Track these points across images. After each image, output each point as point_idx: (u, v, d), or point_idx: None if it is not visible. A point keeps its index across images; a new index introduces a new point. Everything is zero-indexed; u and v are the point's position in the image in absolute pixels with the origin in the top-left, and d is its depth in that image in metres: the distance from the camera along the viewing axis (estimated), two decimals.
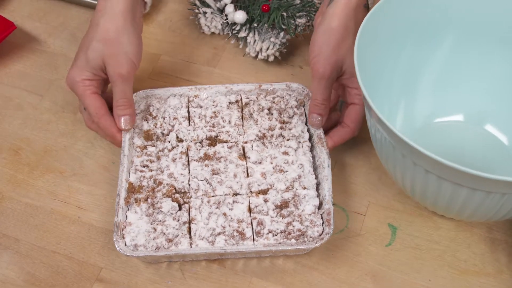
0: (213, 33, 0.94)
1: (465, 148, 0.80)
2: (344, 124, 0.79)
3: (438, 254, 0.75)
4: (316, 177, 0.77)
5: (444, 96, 0.82)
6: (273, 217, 0.74)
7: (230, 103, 0.82)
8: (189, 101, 0.83)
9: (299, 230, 0.72)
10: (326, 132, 0.79)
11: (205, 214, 0.74)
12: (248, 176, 0.77)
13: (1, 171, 0.81)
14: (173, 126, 0.81)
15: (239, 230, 0.73)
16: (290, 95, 0.82)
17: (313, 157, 0.78)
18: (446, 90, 0.82)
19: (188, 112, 0.82)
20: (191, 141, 0.80)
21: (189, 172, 0.77)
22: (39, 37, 0.95)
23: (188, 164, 0.78)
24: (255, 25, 0.89)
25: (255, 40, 0.90)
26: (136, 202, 0.75)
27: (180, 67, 0.91)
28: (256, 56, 0.90)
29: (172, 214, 0.74)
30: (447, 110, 0.82)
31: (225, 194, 0.75)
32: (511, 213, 0.69)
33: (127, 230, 0.73)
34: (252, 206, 0.74)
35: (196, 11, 0.93)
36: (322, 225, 0.73)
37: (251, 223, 0.73)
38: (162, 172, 0.77)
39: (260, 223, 0.73)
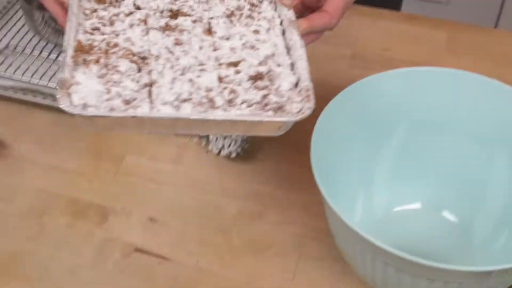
0: None
1: (424, 236, 0.82)
2: (322, 10, 0.74)
3: None
4: (290, 58, 0.69)
5: (401, 186, 0.84)
6: (247, 88, 0.65)
7: None
8: None
9: (276, 103, 0.64)
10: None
11: (169, 78, 0.64)
12: (215, 50, 0.69)
13: None
14: None
15: (208, 97, 0.63)
16: None
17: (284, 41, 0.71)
18: (402, 180, 0.84)
19: None
20: (150, 10, 0.72)
21: (149, 39, 0.68)
22: (4, 141, 0.96)
23: (147, 31, 0.69)
24: None
25: (217, 138, 0.92)
26: (84, 63, 0.64)
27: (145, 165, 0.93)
28: (219, 152, 0.93)
29: (130, 75, 0.64)
30: (405, 199, 0.85)
31: (190, 64, 0.67)
32: None
33: (74, 89, 0.61)
34: (222, 75, 0.66)
35: None
36: (301, 102, 0.64)
37: (223, 91, 0.64)
38: (117, 36, 0.68)
39: (232, 91, 0.64)
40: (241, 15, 0.73)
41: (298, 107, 0.64)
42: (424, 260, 0.61)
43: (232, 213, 0.88)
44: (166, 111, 0.61)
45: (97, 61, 0.65)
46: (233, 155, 0.91)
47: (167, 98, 0.62)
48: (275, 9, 0.75)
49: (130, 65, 0.64)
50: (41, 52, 1.02)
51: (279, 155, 0.94)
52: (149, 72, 0.65)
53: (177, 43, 0.69)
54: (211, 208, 0.88)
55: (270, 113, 0.63)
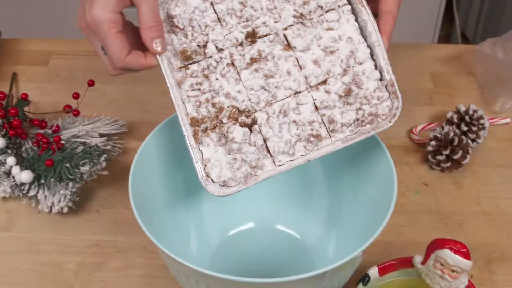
0: (4, 197, 0.94)
1: (263, 251, 0.86)
2: (384, 12, 0.75)
3: None
4: (367, 46, 0.75)
5: (231, 210, 0.87)
6: (341, 108, 0.73)
7: None
8: None
9: (370, 114, 0.73)
10: None
11: (276, 127, 0.72)
12: (301, 68, 0.73)
13: None
14: (207, 35, 0.73)
15: (313, 134, 0.72)
16: None
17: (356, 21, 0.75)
18: (231, 204, 0.86)
19: (216, 12, 0.74)
20: (232, 46, 0.73)
21: (244, 86, 0.72)
22: None
23: (239, 74, 0.73)
24: (43, 181, 0.90)
25: (45, 196, 0.90)
26: (204, 133, 0.72)
27: None
28: (50, 210, 0.91)
29: (246, 139, 0.72)
30: (238, 221, 0.87)
31: (287, 97, 0.73)
32: None
33: (209, 167, 0.71)
34: (317, 103, 0.73)
35: None
36: (390, 98, 0.74)
37: (322, 121, 0.73)
38: (218, 94, 0.72)
39: (331, 121, 0.73)
40: (309, 12, 0.74)
41: (389, 106, 0.74)
42: (253, 279, 0.64)
43: (73, 269, 0.86)
44: (284, 160, 0.72)
45: (213, 129, 0.72)
46: (65, 210, 0.90)
47: (282, 147, 0.72)
48: None
49: (243, 132, 0.71)
50: None
51: (112, 201, 0.94)
52: (259, 129, 0.72)
53: (267, 76, 0.73)
54: (50, 268, 0.86)
55: (368, 127, 0.73)
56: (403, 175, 0.97)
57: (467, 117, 0.99)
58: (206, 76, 0.73)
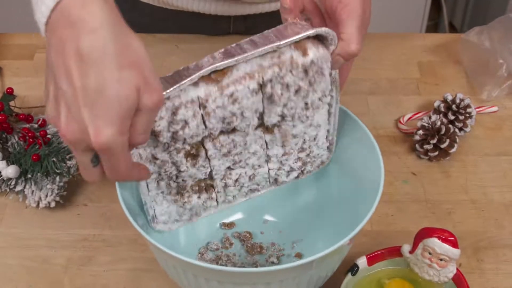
0: None
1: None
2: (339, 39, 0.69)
3: None
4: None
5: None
6: (288, 171, 0.79)
7: None
8: None
9: (309, 171, 0.81)
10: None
11: (230, 191, 0.78)
12: (268, 148, 0.75)
13: None
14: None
15: (258, 188, 0.80)
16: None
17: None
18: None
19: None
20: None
21: (210, 167, 0.73)
22: None
23: (209, 163, 0.73)
24: (30, 176, 0.90)
25: (33, 191, 0.90)
26: (162, 194, 0.75)
27: None
28: (38, 205, 0.90)
29: (200, 201, 0.77)
30: (226, 212, 0.86)
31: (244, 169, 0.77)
32: None
33: (158, 212, 0.76)
34: (271, 173, 0.79)
35: None
36: (327, 152, 0.80)
37: (269, 181, 0.80)
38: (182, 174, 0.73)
39: (277, 181, 0.80)
40: (294, 113, 0.72)
41: (324, 160, 0.81)
42: (241, 269, 0.64)
43: (61, 263, 0.86)
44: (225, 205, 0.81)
45: (170, 194, 0.75)
46: (53, 204, 0.90)
47: (228, 198, 0.80)
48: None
49: (198, 196, 0.77)
50: None
51: (100, 195, 0.94)
52: (215, 192, 0.78)
53: (235, 160, 0.75)
54: (38, 263, 0.86)
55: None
56: (391, 165, 0.97)
57: (454, 106, 0.99)
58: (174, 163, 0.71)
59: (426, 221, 0.90)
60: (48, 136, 0.92)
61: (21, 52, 1.16)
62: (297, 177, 0.81)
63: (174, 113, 0.65)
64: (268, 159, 0.76)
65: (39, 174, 0.89)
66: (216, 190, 0.77)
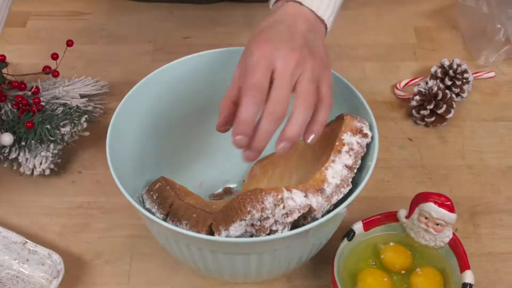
0: None
1: None
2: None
3: None
4: None
5: (214, 170, 0.87)
6: None
7: None
8: None
9: None
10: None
11: None
12: None
13: None
14: None
15: None
16: None
17: None
18: (213, 165, 0.87)
19: None
20: None
21: None
22: None
23: None
24: (24, 143, 0.89)
25: (27, 158, 0.89)
26: None
27: None
28: (32, 173, 0.90)
29: None
30: (219, 182, 0.86)
31: None
32: (301, 260, 0.73)
33: None
34: None
35: None
36: None
37: None
38: None
39: None
40: None
41: None
42: (234, 239, 0.63)
43: (57, 230, 0.86)
44: None
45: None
46: (47, 172, 0.89)
47: None
48: None
49: None
50: None
51: (94, 162, 0.93)
52: None
53: None
54: (34, 230, 0.86)
55: None
56: (387, 131, 0.97)
57: (451, 72, 0.99)
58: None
59: (423, 186, 0.90)
60: (42, 103, 0.91)
61: (13, 19, 1.15)
62: None
63: None
64: None
65: (33, 141, 0.89)
66: None
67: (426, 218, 0.74)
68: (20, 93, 0.94)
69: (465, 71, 0.99)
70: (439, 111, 0.95)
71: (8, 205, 0.89)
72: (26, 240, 0.80)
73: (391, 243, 0.77)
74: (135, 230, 0.85)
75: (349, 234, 0.76)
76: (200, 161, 0.86)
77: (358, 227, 0.77)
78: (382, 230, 0.78)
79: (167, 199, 0.74)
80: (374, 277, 0.74)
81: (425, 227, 0.74)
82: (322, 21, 0.71)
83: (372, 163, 0.70)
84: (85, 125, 0.91)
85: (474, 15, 1.08)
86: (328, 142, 0.72)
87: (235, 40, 1.10)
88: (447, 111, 0.96)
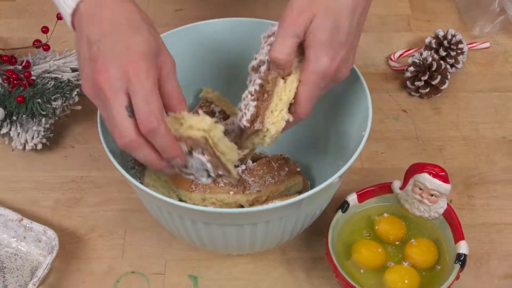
0: None
1: None
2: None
3: None
4: None
5: None
6: None
7: None
8: None
9: None
10: None
11: None
12: None
13: None
14: None
15: None
16: None
17: None
18: None
19: None
20: None
21: None
22: None
23: None
24: (15, 118, 0.88)
25: (18, 133, 0.89)
26: None
27: None
28: (24, 147, 0.89)
29: None
30: None
31: None
32: (295, 232, 0.73)
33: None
34: None
35: None
36: None
37: None
38: None
39: None
40: None
41: None
42: (226, 209, 0.63)
43: (50, 205, 0.85)
44: None
45: None
46: (39, 146, 0.89)
47: None
48: None
49: None
50: None
51: (87, 137, 0.93)
52: None
53: None
54: (27, 205, 0.85)
55: None
56: (381, 102, 0.96)
57: (445, 42, 0.98)
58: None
59: (417, 158, 0.89)
60: (33, 77, 0.90)
61: None
62: None
63: None
64: None
65: (24, 116, 0.88)
66: None
67: (420, 189, 0.73)
68: (11, 67, 0.93)
69: (460, 42, 0.98)
70: (434, 82, 0.95)
71: (0, 180, 0.88)
72: (22, 217, 0.80)
73: (386, 214, 0.77)
74: (129, 204, 0.85)
75: (343, 205, 0.76)
76: None
77: (352, 198, 0.77)
78: (377, 202, 0.78)
79: None
80: (368, 248, 0.74)
81: (419, 198, 0.74)
82: None
83: (365, 134, 0.70)
84: (77, 99, 0.90)
85: None
86: None
87: (228, 11, 1.08)
88: (442, 82, 0.95)
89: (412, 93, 0.97)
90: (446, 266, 0.73)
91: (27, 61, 0.93)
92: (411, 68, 0.96)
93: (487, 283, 0.78)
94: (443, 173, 0.72)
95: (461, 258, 0.71)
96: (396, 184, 0.76)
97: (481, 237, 0.81)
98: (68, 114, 0.91)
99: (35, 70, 0.93)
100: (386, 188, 0.77)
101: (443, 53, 0.98)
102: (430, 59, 0.96)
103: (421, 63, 0.96)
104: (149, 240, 0.82)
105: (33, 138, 0.88)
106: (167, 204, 0.64)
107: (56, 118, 0.89)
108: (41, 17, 1.09)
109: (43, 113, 0.88)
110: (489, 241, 0.81)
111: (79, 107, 0.92)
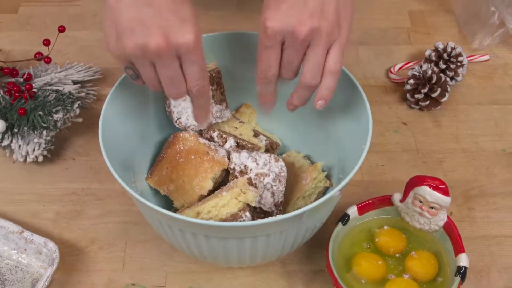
0: None
1: None
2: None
3: None
4: None
5: None
6: None
7: None
8: None
9: None
10: None
11: None
12: None
13: None
14: None
15: None
16: None
17: None
18: None
19: None
20: None
21: None
22: None
23: None
24: (16, 130, 0.89)
25: (20, 145, 0.89)
26: None
27: None
28: (25, 160, 0.89)
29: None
30: None
31: None
32: (295, 244, 0.73)
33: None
34: None
35: None
36: None
37: None
38: None
39: None
40: None
41: None
42: (228, 223, 0.63)
43: (51, 217, 0.85)
44: None
45: None
46: (40, 159, 0.89)
47: None
48: None
49: None
50: None
51: (88, 149, 0.93)
52: None
53: None
54: (28, 217, 0.85)
55: None
56: (382, 115, 0.96)
57: (445, 55, 0.98)
58: None
59: (417, 170, 0.90)
60: (34, 90, 0.91)
61: (4, 5, 1.14)
62: None
63: None
64: None
65: (25, 128, 0.88)
66: None
67: (420, 201, 0.73)
68: (12, 79, 0.93)
69: (460, 55, 0.98)
70: (434, 95, 0.95)
71: (1, 192, 0.88)
72: (23, 229, 0.80)
73: (386, 227, 0.77)
74: (129, 217, 0.85)
75: (344, 218, 0.76)
76: None
77: (352, 211, 0.77)
78: (377, 214, 0.78)
79: None
80: (368, 260, 0.74)
81: (419, 211, 0.74)
82: None
83: (366, 147, 0.70)
84: (78, 111, 0.91)
85: None
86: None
87: (229, 24, 1.09)
88: (442, 94, 0.95)
89: (412, 105, 0.97)
90: (447, 278, 0.73)
91: (29, 74, 0.94)
92: (411, 81, 0.97)
93: None
94: (443, 186, 0.72)
95: (462, 271, 0.71)
96: (396, 197, 0.76)
97: (481, 250, 0.81)
98: (69, 127, 0.92)
99: (37, 83, 0.93)
100: (386, 200, 0.78)
101: (443, 66, 0.98)
102: (430, 71, 0.96)
103: (421, 75, 0.96)
104: (150, 252, 0.82)
105: (34, 150, 0.88)
106: (167, 217, 0.64)
107: (57, 130, 0.89)
108: (42, 30, 1.09)
109: (44, 125, 0.88)
110: (489, 253, 0.81)
111: (80, 120, 0.92)
